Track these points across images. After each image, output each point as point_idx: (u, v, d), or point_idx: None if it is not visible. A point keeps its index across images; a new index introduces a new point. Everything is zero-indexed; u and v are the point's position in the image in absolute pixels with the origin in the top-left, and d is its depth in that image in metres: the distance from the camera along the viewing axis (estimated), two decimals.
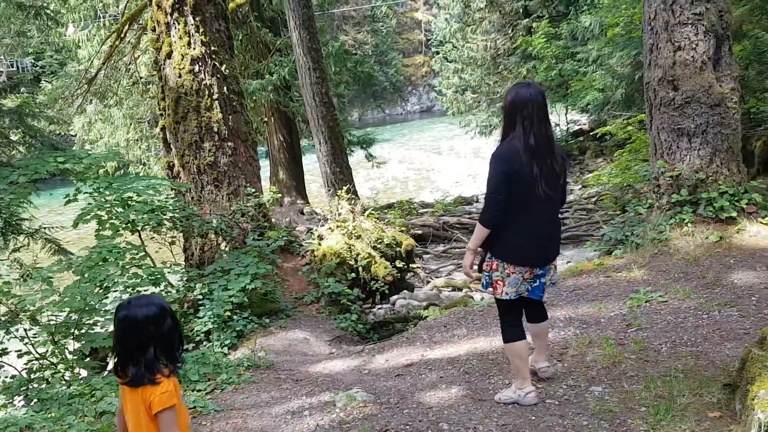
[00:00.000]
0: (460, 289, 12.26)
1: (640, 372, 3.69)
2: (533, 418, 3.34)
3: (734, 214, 5.88)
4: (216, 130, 8.16)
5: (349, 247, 8.21)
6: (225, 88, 8.30)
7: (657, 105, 6.30)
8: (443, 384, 4.04)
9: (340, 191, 9.11)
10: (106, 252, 6.12)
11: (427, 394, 3.89)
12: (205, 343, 6.39)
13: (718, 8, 6.01)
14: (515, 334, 3.57)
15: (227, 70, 8.36)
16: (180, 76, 8.08)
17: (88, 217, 6.46)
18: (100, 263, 6.02)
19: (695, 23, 5.99)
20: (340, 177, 13.28)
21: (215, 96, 8.17)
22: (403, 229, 9.51)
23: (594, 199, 16.10)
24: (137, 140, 15.36)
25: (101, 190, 6.65)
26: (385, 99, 42.01)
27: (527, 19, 23.94)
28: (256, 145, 9.04)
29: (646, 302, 4.82)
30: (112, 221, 6.68)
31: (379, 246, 8.41)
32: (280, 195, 9.80)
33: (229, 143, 8.27)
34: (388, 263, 8.27)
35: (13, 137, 10.38)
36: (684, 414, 3.07)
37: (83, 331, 5.45)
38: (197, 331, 6.55)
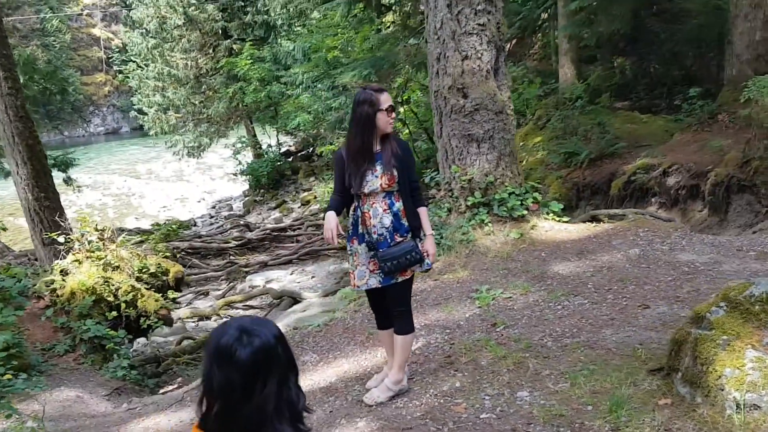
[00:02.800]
0: (208, 318, 11.31)
1: (551, 370, 3.59)
2: None
3: (524, 212, 6.30)
4: None
5: (106, 281, 6.86)
6: None
7: (447, 112, 6.48)
8: (342, 419, 3.45)
9: (83, 215, 7.60)
10: None
11: None
12: None
13: (496, 20, 6.42)
14: (413, 323, 3.69)
15: None
16: None
17: None
18: None
19: (479, 33, 6.30)
20: (46, 204, 11.29)
21: None
22: (167, 254, 8.33)
23: (322, 215, 16.32)
24: None
25: None
26: (62, 120, 37.45)
27: (228, 41, 23.57)
28: None
29: (492, 300, 4.83)
30: None
31: (143, 276, 7.19)
32: (5, 228, 7.82)
33: None
34: (158, 295, 7.11)
35: None
36: (635, 407, 3.02)
37: None
38: None
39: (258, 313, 11.36)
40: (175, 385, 7.57)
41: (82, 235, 7.01)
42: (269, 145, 23.34)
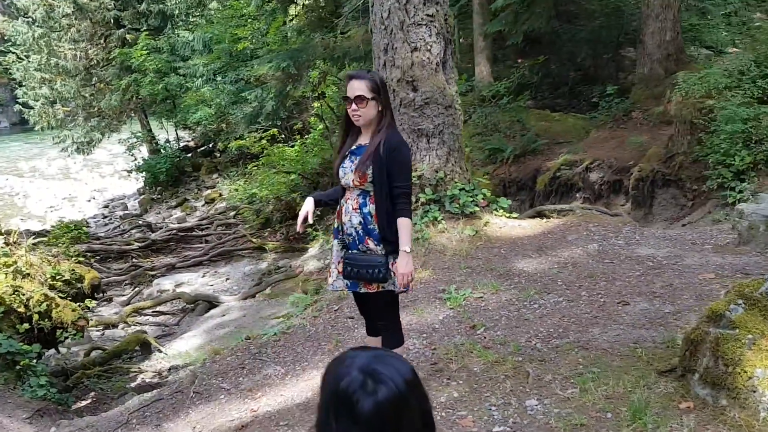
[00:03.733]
0: (115, 326, 10.48)
1: (552, 374, 3.40)
2: None
3: (476, 209, 6.16)
4: None
5: (16, 290, 6.08)
6: None
7: (396, 106, 6.21)
8: None
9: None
10: None
11: None
12: None
13: (444, 11, 6.23)
14: (402, 336, 3.40)
15: None
16: None
17: None
18: None
19: (429, 24, 6.09)
20: None
21: None
22: (81, 259, 7.53)
23: (233, 213, 15.64)
24: None
25: None
26: None
27: (121, 30, 22.16)
28: None
29: (463, 301, 4.62)
30: None
31: (57, 284, 6.45)
32: None
33: None
34: (75, 304, 6.40)
35: None
36: (656, 412, 2.89)
37: None
38: None
39: (170, 319, 10.65)
40: (89, 401, 6.90)
41: None
42: (167, 141, 22.17)
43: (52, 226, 14.69)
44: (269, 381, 4.06)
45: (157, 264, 13.33)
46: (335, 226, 3.31)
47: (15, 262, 6.17)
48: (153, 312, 10.90)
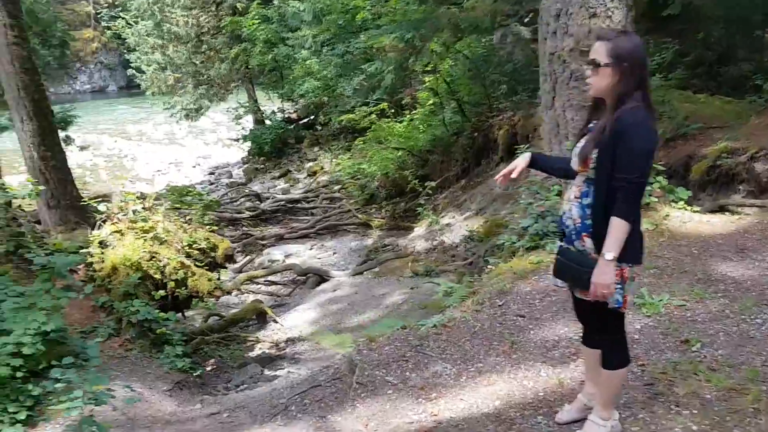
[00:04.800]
0: (229, 293, 10.33)
1: None
2: None
3: (654, 199, 5.47)
4: None
5: (153, 256, 5.89)
6: None
7: (565, 80, 5.57)
8: None
9: (125, 182, 6.62)
10: None
11: None
12: None
13: None
14: (628, 355, 2.82)
15: None
16: None
17: None
18: None
19: None
20: (52, 164, 10.36)
21: None
22: (213, 228, 7.35)
23: (338, 187, 15.37)
24: None
25: None
26: (48, 76, 35.56)
27: None
28: None
29: (662, 308, 3.98)
30: None
31: (192, 252, 6.24)
32: (42, 188, 6.81)
33: None
34: (211, 274, 6.18)
35: None
36: None
37: None
38: None
39: (281, 290, 10.47)
40: (209, 368, 6.71)
41: (126, 203, 6.01)
42: (273, 112, 22.20)
43: (164, 190, 14.87)
44: (441, 381, 3.59)
45: (267, 234, 13.24)
46: (561, 212, 2.81)
47: (153, 228, 5.99)
48: (265, 281, 10.78)
